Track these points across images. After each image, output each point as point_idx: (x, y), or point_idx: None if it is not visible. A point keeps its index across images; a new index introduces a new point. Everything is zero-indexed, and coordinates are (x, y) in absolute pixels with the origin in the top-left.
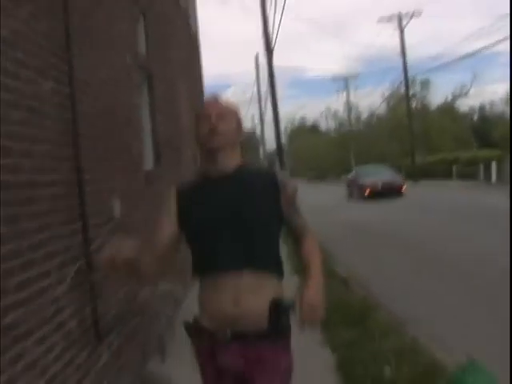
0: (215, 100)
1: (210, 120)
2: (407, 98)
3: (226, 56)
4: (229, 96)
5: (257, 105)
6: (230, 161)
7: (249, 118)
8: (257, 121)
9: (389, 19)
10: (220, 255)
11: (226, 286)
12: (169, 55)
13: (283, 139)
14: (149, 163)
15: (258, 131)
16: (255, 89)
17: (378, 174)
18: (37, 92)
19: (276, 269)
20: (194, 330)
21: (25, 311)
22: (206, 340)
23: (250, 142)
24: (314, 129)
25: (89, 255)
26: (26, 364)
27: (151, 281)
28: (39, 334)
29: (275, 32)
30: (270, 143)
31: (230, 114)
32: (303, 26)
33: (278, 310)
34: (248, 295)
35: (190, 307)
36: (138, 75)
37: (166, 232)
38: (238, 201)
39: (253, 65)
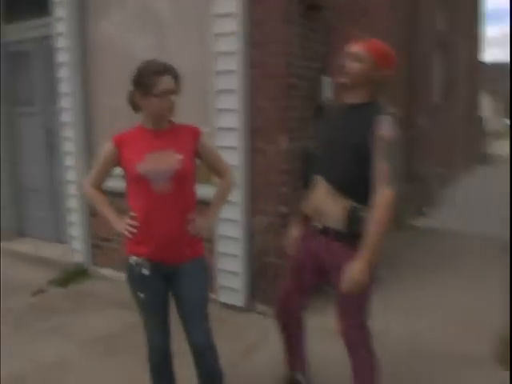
0: (356, 41)
1: (345, 60)
2: None
3: None
4: None
5: None
6: (356, 97)
7: None
8: None
9: None
10: (319, 166)
11: (317, 187)
12: (455, 23)
13: None
14: (437, 97)
15: None
16: None
17: None
18: None
19: (354, 193)
20: (302, 218)
21: None
22: (306, 226)
23: None
24: None
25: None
26: None
27: None
28: None
29: None
30: None
31: (367, 56)
32: None
33: (353, 216)
34: (327, 198)
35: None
36: (436, 43)
37: None
38: (340, 129)
39: None
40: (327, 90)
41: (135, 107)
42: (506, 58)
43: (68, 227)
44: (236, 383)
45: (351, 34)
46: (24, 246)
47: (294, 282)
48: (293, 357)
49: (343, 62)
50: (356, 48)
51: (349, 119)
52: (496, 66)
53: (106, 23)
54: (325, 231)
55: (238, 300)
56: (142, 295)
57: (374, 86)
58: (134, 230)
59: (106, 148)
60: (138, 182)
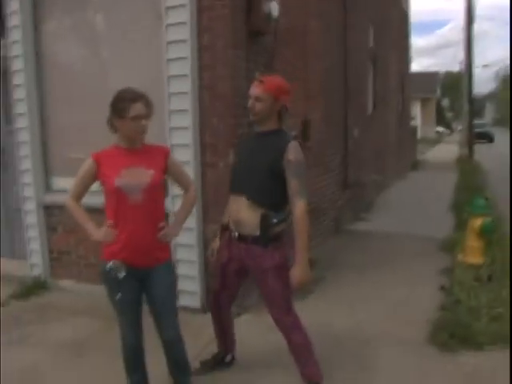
0: (258, 83)
1: (250, 101)
2: None
3: None
4: (444, 33)
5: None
6: (265, 127)
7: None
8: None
9: None
10: (236, 183)
11: (235, 200)
12: (384, 39)
13: (494, 85)
14: (370, 109)
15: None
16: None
17: None
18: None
19: (266, 205)
20: (223, 229)
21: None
22: (227, 236)
23: (454, 83)
24: None
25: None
26: None
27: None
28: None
29: None
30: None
31: (266, 95)
32: None
33: (266, 222)
34: (244, 209)
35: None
36: (368, 59)
37: None
38: (255, 153)
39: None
40: None
41: (112, 129)
42: (434, 67)
43: (27, 242)
44: None
45: (289, 56)
46: None
47: (222, 284)
48: (224, 342)
49: (250, 102)
50: (255, 90)
51: (261, 144)
52: (425, 75)
53: (59, 45)
54: (243, 238)
55: (196, 302)
56: (117, 296)
57: (277, 115)
58: (112, 238)
59: (85, 164)
60: (115, 194)
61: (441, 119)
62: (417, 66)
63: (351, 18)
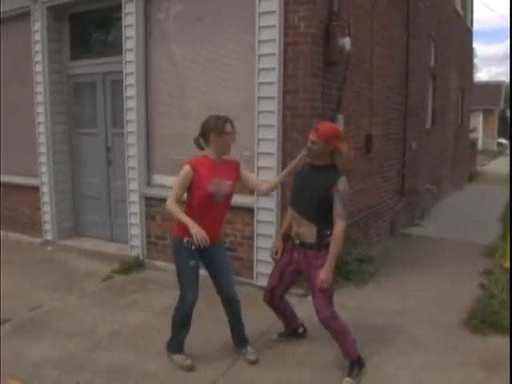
0: (314, 131)
1: (308, 143)
2: None
3: None
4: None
5: None
6: (319, 162)
7: None
8: None
9: None
10: (296, 204)
11: (295, 217)
12: (445, 56)
13: None
14: (429, 123)
15: None
16: None
17: None
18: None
19: (320, 222)
20: (285, 238)
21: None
22: (290, 243)
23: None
24: None
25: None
26: None
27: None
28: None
29: None
30: None
31: (319, 141)
32: None
33: (320, 234)
34: (303, 225)
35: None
36: (429, 77)
37: None
38: (311, 182)
39: None
40: (341, 125)
41: (203, 144)
42: (503, 76)
43: (129, 227)
44: (266, 344)
45: (357, 79)
46: (83, 244)
47: (279, 280)
48: (286, 321)
49: (308, 144)
50: (313, 136)
51: (316, 175)
52: (490, 86)
53: (166, 66)
54: (303, 244)
55: None
56: (191, 262)
57: (329, 155)
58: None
59: (185, 170)
60: (205, 196)
61: (504, 131)
62: (485, 74)
63: (413, 41)
